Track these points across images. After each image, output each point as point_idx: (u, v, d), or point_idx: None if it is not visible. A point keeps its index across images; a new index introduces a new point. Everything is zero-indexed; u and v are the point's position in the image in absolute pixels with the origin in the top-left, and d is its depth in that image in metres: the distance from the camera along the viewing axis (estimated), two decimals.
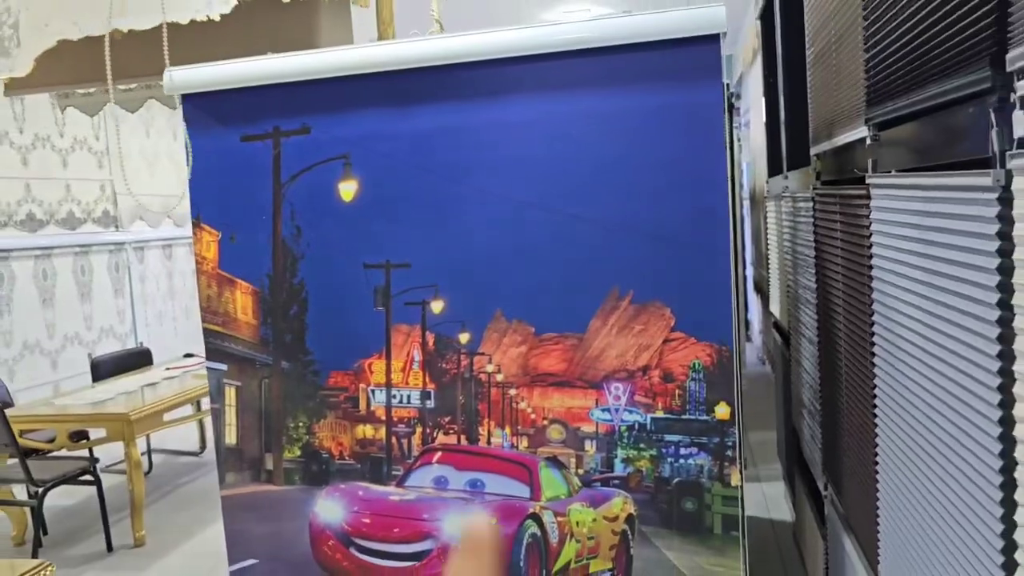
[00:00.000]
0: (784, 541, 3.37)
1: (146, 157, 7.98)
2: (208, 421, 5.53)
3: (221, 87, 2.05)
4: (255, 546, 2.20)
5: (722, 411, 1.90)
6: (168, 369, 5.29)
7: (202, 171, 2.11)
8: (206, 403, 4.90)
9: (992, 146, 0.87)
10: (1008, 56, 0.82)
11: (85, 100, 3.71)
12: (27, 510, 3.98)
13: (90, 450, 4.22)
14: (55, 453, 4.20)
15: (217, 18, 1.99)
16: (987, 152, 0.89)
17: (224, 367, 2.16)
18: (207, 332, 2.16)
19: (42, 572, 1.91)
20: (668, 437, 1.94)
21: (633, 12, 1.84)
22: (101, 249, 7.24)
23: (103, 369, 5.33)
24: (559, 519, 2.02)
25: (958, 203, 1.01)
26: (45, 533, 3.90)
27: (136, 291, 7.68)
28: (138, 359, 5.79)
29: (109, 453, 4.27)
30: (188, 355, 5.79)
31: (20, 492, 4.05)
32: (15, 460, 3.98)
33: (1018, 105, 0.80)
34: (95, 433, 4.20)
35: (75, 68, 2.32)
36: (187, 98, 2.10)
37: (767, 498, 3.86)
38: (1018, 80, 0.80)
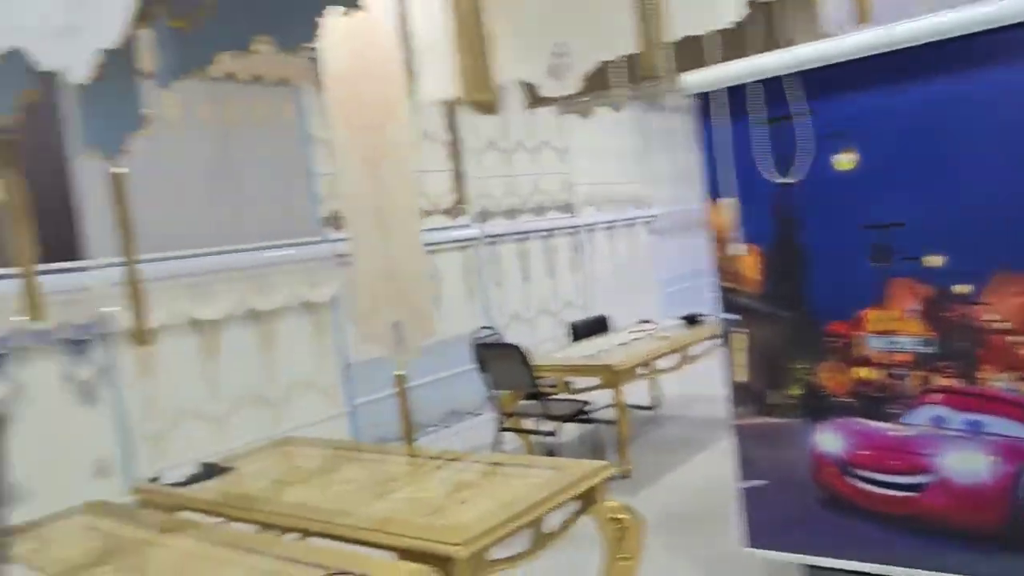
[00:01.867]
0: None
1: (595, 152, 8.99)
2: (663, 379, 6.17)
3: (734, 83, 2.47)
4: (762, 468, 2.61)
5: None
6: (631, 332, 6.02)
7: (714, 156, 2.57)
8: (661, 363, 5.50)
9: None
10: None
11: (580, 107, 4.47)
12: (530, 439, 4.93)
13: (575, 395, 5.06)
14: (553, 397, 5.11)
15: (732, 25, 2.41)
16: None
17: (737, 317, 2.60)
18: (722, 289, 2.62)
19: (605, 472, 2.50)
20: None
21: None
22: (561, 232, 8.38)
23: (580, 331, 6.28)
24: None
25: None
26: None
27: (588, 268, 8.74)
28: (599, 325, 6.67)
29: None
30: (644, 321, 6.51)
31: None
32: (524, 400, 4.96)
33: None
34: (583, 382, 5.04)
35: (600, 80, 2.91)
36: (700, 95, 2.57)
37: None
38: None
